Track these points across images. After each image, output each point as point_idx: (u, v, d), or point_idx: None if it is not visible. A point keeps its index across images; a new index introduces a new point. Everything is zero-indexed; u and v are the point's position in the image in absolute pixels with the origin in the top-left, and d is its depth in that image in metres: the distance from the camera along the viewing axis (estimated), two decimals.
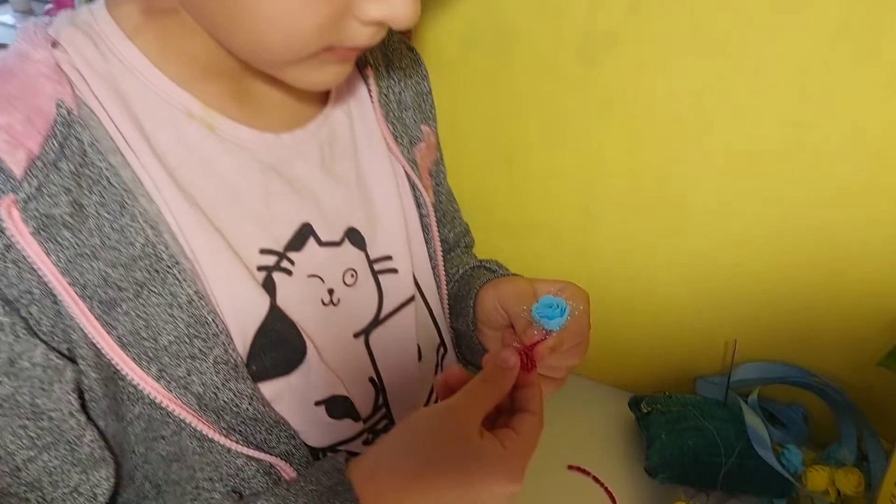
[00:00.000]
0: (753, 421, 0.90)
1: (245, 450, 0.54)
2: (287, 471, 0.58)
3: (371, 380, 0.66)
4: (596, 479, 0.96)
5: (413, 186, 0.73)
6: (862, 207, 0.85)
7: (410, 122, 0.75)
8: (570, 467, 0.98)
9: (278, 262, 0.58)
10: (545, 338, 0.58)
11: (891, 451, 0.81)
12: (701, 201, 0.93)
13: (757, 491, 0.90)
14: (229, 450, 0.54)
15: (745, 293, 0.96)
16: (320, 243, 0.62)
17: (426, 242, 0.75)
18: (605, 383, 1.16)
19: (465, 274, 0.82)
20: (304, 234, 0.60)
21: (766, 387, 0.99)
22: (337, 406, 0.61)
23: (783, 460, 0.90)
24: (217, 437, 0.53)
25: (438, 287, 0.77)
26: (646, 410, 0.98)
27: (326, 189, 0.63)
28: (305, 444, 0.60)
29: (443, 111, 0.95)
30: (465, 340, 0.78)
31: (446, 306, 0.78)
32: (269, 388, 0.56)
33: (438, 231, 0.87)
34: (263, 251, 0.57)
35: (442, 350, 0.79)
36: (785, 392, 1.00)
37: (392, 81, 0.74)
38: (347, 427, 0.63)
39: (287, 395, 0.57)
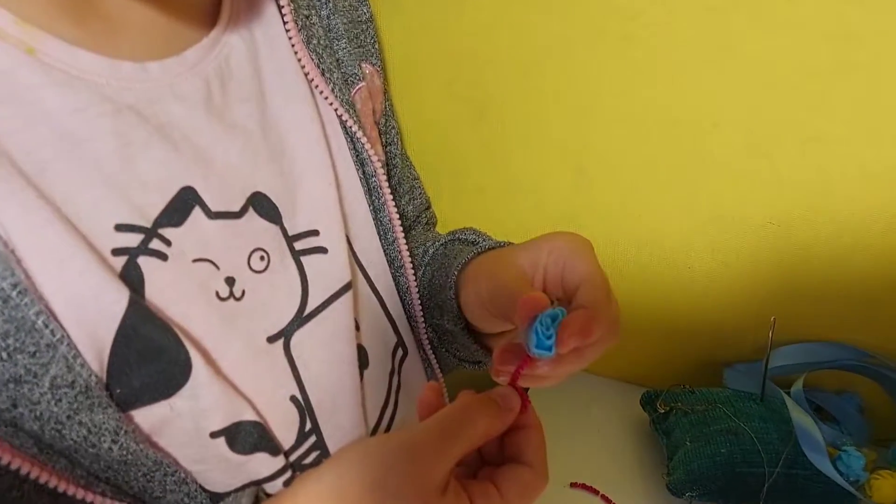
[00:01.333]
0: (802, 419, 0.71)
1: None
2: None
3: (293, 399, 0.51)
4: (605, 499, 0.77)
5: (351, 137, 0.56)
6: None
7: (344, 56, 0.59)
8: (573, 485, 0.79)
9: (145, 243, 0.43)
10: (526, 363, 0.44)
11: None
12: (723, 145, 0.74)
13: None
14: None
15: (781, 258, 0.77)
16: (210, 215, 0.46)
17: (374, 211, 0.58)
18: (612, 377, 0.96)
19: (436, 254, 0.66)
20: (184, 203, 0.45)
21: (810, 374, 0.81)
22: (243, 436, 0.46)
23: (841, 466, 0.71)
24: (73, 490, 0.40)
25: (399, 269, 0.61)
26: (663, 410, 0.80)
27: (217, 140, 0.47)
28: (204, 489, 0.46)
29: (392, 51, 0.77)
30: (459, 340, 0.61)
31: (415, 295, 0.62)
32: (144, 418, 0.43)
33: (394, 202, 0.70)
34: (121, 227, 0.42)
35: (401, 352, 0.62)
36: (833, 378, 0.81)
37: (317, 1, 0.58)
38: (261, 463, 0.48)
39: (171, 426, 0.43)
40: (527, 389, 0.45)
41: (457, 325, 0.59)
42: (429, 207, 0.81)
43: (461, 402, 0.42)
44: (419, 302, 0.62)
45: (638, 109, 0.76)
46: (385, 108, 0.66)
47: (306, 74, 0.54)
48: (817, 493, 0.70)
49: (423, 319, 0.63)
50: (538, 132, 0.82)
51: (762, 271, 0.79)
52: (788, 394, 0.77)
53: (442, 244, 0.67)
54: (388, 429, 0.60)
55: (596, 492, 0.78)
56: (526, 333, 0.44)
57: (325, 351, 0.52)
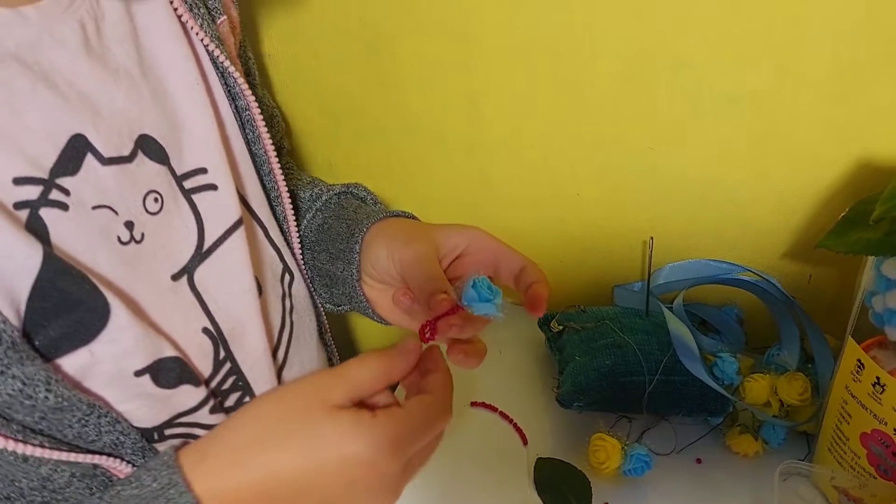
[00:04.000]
0: (678, 329, 0.76)
1: (50, 454, 0.43)
2: (119, 469, 0.46)
3: (206, 330, 0.53)
4: (503, 416, 0.81)
5: (222, 72, 0.57)
6: (788, 60, 0.70)
7: None
8: (474, 404, 0.83)
9: (45, 194, 0.43)
10: (456, 310, 0.49)
11: (838, 349, 0.68)
12: (602, 74, 0.77)
13: (688, 410, 0.77)
14: (26, 458, 0.42)
15: (660, 182, 0.81)
16: (103, 161, 0.46)
17: (249, 144, 0.60)
18: (513, 303, 0.98)
19: (329, 202, 0.69)
20: (77, 151, 0.45)
21: (694, 290, 0.85)
22: (167, 372, 0.48)
23: (716, 372, 0.77)
24: (12, 445, 0.41)
25: (276, 199, 0.63)
26: (557, 329, 0.84)
27: (102, 85, 0.47)
28: (135, 427, 0.47)
29: None
30: (343, 287, 0.64)
31: (291, 222, 0.65)
32: (68, 365, 0.44)
33: None
34: (20, 181, 0.42)
35: (288, 277, 0.64)
36: (715, 293, 0.86)
37: None
38: (186, 395, 0.50)
39: (96, 370, 0.45)
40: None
41: (353, 273, 0.61)
42: (286, 135, 0.82)
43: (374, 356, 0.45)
44: (295, 228, 0.65)
45: (521, 41, 0.77)
46: (242, 38, 0.66)
47: (175, 10, 0.53)
48: (693, 396, 0.75)
49: (299, 245, 0.66)
50: (430, 68, 0.83)
51: (645, 195, 0.83)
52: (671, 309, 0.81)
53: (336, 194, 0.69)
54: (287, 347, 0.63)
55: (495, 409, 0.82)
56: (463, 290, 0.49)
57: (228, 282, 0.54)
